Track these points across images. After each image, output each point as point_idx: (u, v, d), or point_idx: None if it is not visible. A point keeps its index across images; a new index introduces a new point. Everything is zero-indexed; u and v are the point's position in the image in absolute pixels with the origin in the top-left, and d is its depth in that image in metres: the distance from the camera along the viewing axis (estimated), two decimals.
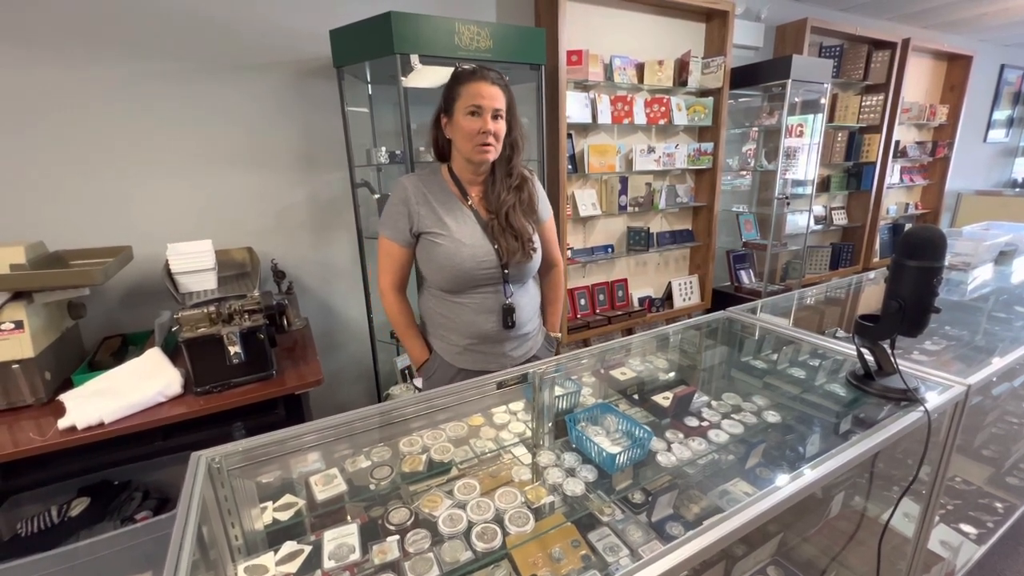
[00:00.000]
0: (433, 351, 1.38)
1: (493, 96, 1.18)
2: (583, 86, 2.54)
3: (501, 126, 1.21)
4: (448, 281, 1.27)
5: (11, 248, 1.36)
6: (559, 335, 1.55)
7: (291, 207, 2.11)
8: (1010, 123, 5.45)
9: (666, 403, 1.15)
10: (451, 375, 1.35)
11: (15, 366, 1.31)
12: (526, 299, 1.36)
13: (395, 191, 1.29)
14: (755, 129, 3.24)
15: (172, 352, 1.57)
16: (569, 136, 2.49)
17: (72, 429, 1.24)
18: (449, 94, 1.22)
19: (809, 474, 0.79)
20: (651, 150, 2.77)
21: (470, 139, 1.20)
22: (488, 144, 1.20)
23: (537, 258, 1.34)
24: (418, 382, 2.30)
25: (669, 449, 0.99)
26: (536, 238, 1.34)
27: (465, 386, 1.09)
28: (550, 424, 1.12)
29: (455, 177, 1.31)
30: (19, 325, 1.30)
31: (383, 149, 2.03)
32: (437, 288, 1.32)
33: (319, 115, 2.07)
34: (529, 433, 1.08)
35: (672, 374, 1.38)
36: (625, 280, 3.00)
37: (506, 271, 1.27)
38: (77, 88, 1.67)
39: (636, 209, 2.86)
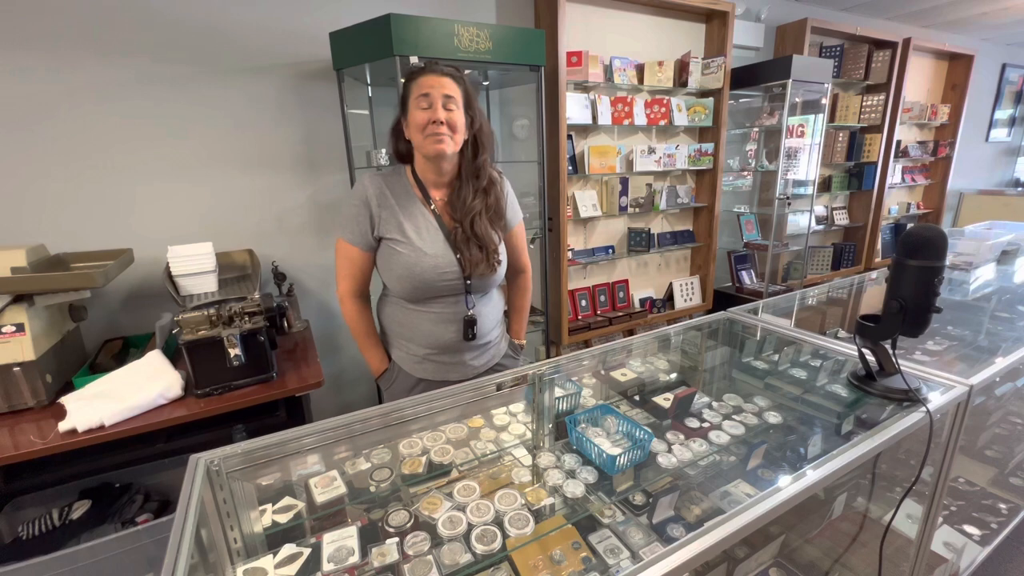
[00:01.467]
0: (392, 360, 1.34)
1: (442, 84, 1.13)
2: (583, 87, 2.54)
3: (456, 116, 1.15)
4: (407, 290, 1.22)
5: (12, 251, 1.36)
6: (523, 342, 1.52)
7: (292, 209, 2.12)
8: (1012, 122, 5.44)
9: (667, 404, 1.14)
10: (411, 385, 1.32)
11: (16, 369, 1.31)
12: (488, 308, 1.32)
13: (355, 191, 1.23)
14: (756, 129, 3.24)
15: (173, 354, 1.57)
16: (569, 137, 2.49)
17: (73, 432, 1.24)
18: (403, 93, 1.18)
19: (811, 475, 0.79)
20: (651, 151, 2.77)
21: (422, 130, 1.14)
22: (440, 133, 1.13)
23: (501, 270, 1.29)
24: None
25: (670, 450, 0.99)
26: (502, 248, 1.29)
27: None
28: (550, 426, 1.12)
29: (418, 178, 1.25)
30: (20, 328, 1.30)
31: (383, 151, 2.03)
32: (396, 296, 1.28)
33: (319, 117, 2.08)
34: (529, 435, 1.08)
35: (673, 375, 1.38)
36: (626, 281, 2.99)
37: (468, 282, 1.23)
38: (78, 91, 1.68)
39: (637, 210, 2.86)
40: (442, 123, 1.13)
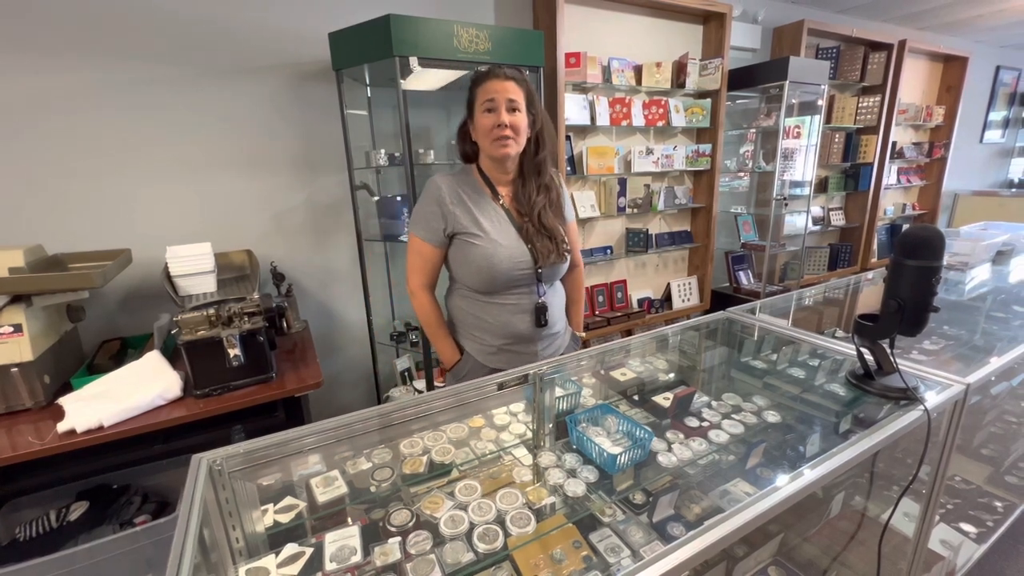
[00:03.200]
0: (465, 352, 1.37)
1: (506, 89, 1.19)
2: (581, 88, 2.54)
3: (519, 119, 1.21)
4: (483, 282, 1.27)
5: (10, 252, 1.36)
6: (583, 334, 1.57)
7: (290, 210, 2.11)
8: (1006, 124, 5.48)
9: (666, 404, 1.15)
10: (483, 375, 1.35)
11: (14, 370, 1.31)
12: (556, 299, 1.38)
13: (428, 190, 1.28)
14: (753, 131, 3.25)
15: (171, 355, 1.56)
16: (568, 138, 2.50)
17: (71, 433, 1.23)
18: (469, 98, 1.25)
19: (809, 474, 0.79)
20: (649, 152, 2.78)
21: (488, 135, 1.21)
22: (506, 137, 1.20)
23: (569, 258, 1.36)
24: (419, 384, 2.30)
25: (670, 449, 0.99)
26: (567, 240, 1.35)
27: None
28: (551, 425, 1.12)
29: (485, 176, 1.31)
30: (18, 328, 1.30)
31: (382, 151, 2.04)
32: (469, 289, 1.32)
33: (318, 118, 2.07)
34: (530, 434, 1.08)
35: (672, 375, 1.39)
36: (624, 281, 3.00)
37: (540, 271, 1.29)
38: (76, 92, 1.67)
39: (635, 211, 2.87)
40: (507, 126, 1.19)
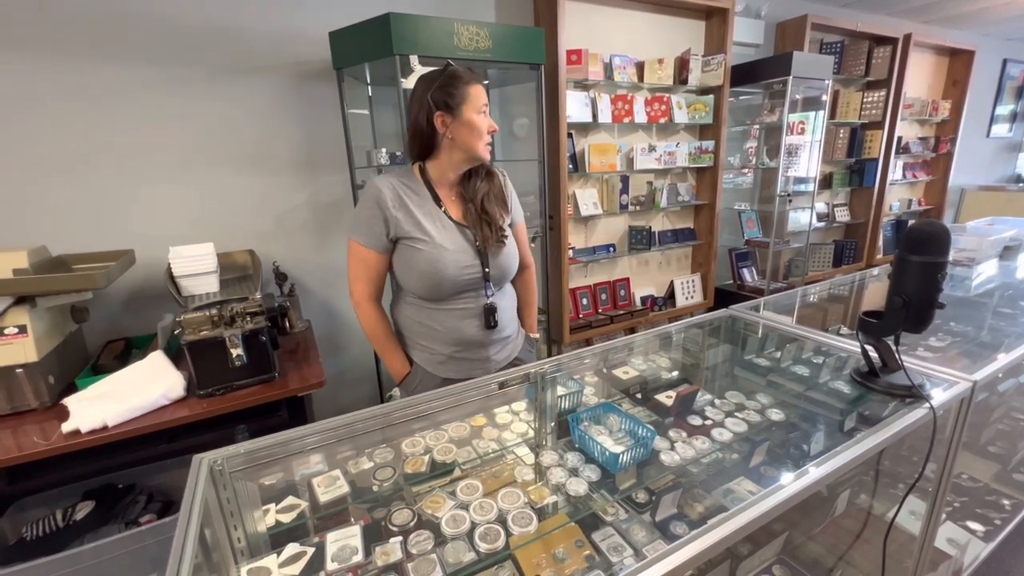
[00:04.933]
0: (414, 363, 1.34)
1: (486, 94, 1.23)
2: (583, 85, 2.53)
3: None
4: (429, 288, 1.24)
5: (14, 253, 1.36)
6: (537, 335, 1.55)
7: (292, 209, 2.12)
8: (1013, 118, 5.42)
9: (669, 402, 1.14)
10: (435, 386, 1.31)
11: (19, 370, 1.32)
12: (505, 301, 1.35)
13: (367, 193, 1.23)
14: (756, 127, 3.23)
15: (175, 355, 1.57)
16: (569, 136, 2.49)
17: (76, 433, 1.24)
18: (455, 92, 1.17)
19: (814, 472, 0.78)
20: (652, 149, 2.77)
21: (482, 137, 1.21)
22: (491, 143, 1.25)
23: (513, 250, 1.33)
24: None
25: (672, 448, 0.99)
26: (507, 227, 1.33)
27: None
28: (553, 424, 1.12)
29: (426, 179, 1.27)
30: (22, 329, 1.30)
31: (383, 150, 2.03)
32: (415, 296, 1.28)
33: (319, 117, 2.07)
34: (532, 433, 1.08)
35: (675, 373, 1.38)
36: (627, 279, 2.99)
37: (487, 270, 1.26)
38: (78, 93, 1.68)
39: (637, 208, 2.86)
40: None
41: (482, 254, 1.26)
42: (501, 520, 0.82)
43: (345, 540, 0.78)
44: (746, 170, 3.35)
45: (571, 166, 2.53)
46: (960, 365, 1.11)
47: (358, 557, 0.75)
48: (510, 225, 1.36)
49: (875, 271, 2.07)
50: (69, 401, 1.32)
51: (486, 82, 1.27)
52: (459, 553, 0.77)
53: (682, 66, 2.75)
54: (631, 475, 0.95)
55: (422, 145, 1.24)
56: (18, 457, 1.18)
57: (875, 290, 1.92)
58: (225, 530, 0.79)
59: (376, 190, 1.22)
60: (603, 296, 2.92)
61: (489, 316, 1.28)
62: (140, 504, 1.53)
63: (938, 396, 0.98)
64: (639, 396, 1.22)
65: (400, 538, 0.79)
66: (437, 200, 1.27)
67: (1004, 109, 5.25)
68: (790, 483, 0.76)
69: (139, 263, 1.73)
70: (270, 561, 0.74)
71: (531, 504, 0.85)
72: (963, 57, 4.24)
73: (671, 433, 1.03)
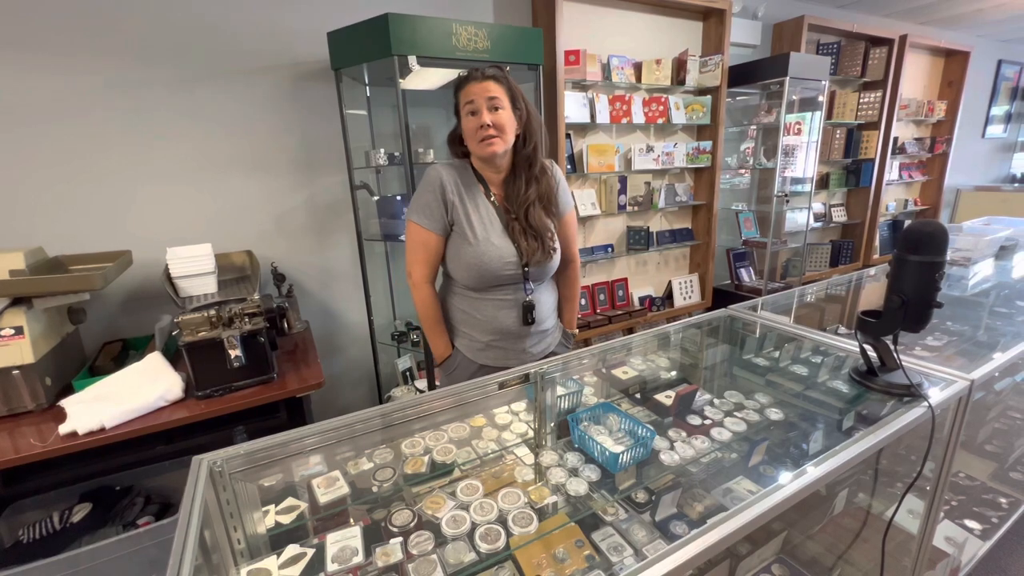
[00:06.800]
0: (455, 348, 1.39)
1: (486, 89, 1.20)
2: (581, 86, 2.54)
3: (502, 116, 1.21)
4: (472, 279, 1.28)
5: (10, 254, 1.36)
6: (575, 331, 1.56)
7: (290, 210, 2.11)
8: (1008, 118, 5.45)
9: (668, 402, 1.14)
10: (472, 371, 1.36)
11: (15, 372, 1.31)
12: (545, 296, 1.39)
13: (428, 179, 1.28)
14: (753, 127, 3.24)
15: (173, 356, 1.56)
16: (568, 136, 2.49)
17: (73, 435, 1.23)
18: (455, 104, 1.26)
19: (813, 471, 0.79)
20: (650, 149, 2.77)
21: (473, 136, 1.23)
22: (491, 136, 1.21)
23: (557, 257, 1.36)
24: (421, 384, 2.30)
25: (672, 448, 0.99)
26: (556, 238, 1.35)
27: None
28: (552, 424, 1.11)
29: (478, 173, 1.32)
30: (19, 331, 1.29)
31: (382, 151, 2.03)
32: (459, 284, 1.34)
33: (317, 118, 2.07)
34: (531, 433, 1.08)
35: (674, 373, 1.38)
36: (625, 280, 2.99)
37: (527, 269, 1.29)
38: (76, 93, 1.67)
39: (635, 208, 2.86)
40: (490, 126, 1.20)
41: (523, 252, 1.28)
42: (501, 520, 0.82)
43: (345, 541, 0.78)
44: (743, 170, 3.36)
45: (569, 166, 2.53)
46: (957, 364, 1.11)
47: (358, 558, 0.75)
48: (556, 216, 1.37)
49: (872, 271, 2.08)
50: (66, 403, 1.31)
51: (490, 74, 1.23)
52: (459, 553, 0.76)
53: (680, 67, 2.76)
54: (631, 475, 0.95)
55: (454, 153, 1.35)
56: (15, 459, 1.17)
57: (872, 290, 1.93)
58: (225, 531, 0.79)
59: (437, 174, 1.28)
60: (601, 296, 2.92)
61: (527, 313, 1.32)
62: (138, 506, 1.52)
63: (936, 395, 0.99)
64: (638, 396, 1.23)
65: (400, 539, 0.79)
66: (488, 192, 1.31)
67: (999, 110, 5.28)
68: (789, 482, 0.76)
69: (136, 264, 1.72)
70: (270, 562, 0.74)
71: (531, 504, 0.85)
72: (958, 58, 4.27)
73: (670, 433, 1.04)
